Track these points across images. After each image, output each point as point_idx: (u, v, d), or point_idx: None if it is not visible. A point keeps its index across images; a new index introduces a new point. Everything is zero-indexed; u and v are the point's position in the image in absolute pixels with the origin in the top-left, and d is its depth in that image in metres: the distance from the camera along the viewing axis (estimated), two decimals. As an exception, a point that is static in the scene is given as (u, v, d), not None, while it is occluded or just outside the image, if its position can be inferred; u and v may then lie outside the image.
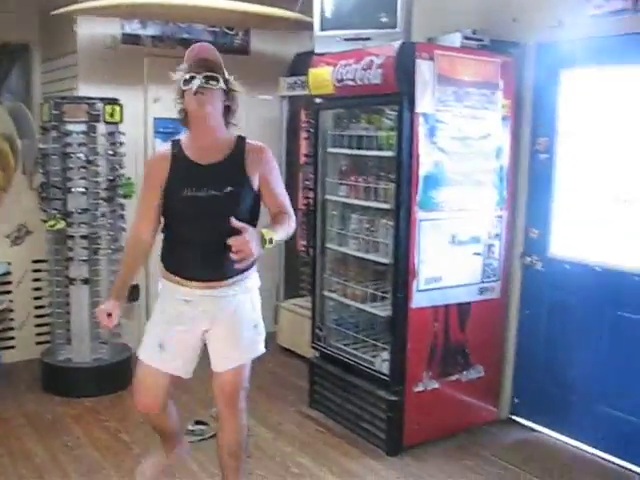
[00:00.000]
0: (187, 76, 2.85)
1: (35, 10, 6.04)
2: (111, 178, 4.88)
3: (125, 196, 5.02)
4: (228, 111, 2.98)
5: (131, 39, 5.54)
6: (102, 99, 4.86)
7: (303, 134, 5.88)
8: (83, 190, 4.78)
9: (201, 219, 2.92)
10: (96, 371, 4.98)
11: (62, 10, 4.95)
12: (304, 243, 5.84)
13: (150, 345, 3.09)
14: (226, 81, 2.91)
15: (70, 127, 4.78)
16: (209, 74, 2.84)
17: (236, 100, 2.99)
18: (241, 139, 3.03)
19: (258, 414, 4.58)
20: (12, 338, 5.56)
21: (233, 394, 3.16)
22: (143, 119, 5.53)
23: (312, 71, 4.43)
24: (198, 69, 2.85)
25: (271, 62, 6.01)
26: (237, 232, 2.68)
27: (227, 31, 5.91)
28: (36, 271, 5.53)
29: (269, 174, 3.00)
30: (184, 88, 2.87)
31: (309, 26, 4.84)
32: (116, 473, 3.88)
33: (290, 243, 5.97)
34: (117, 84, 5.35)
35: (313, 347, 4.72)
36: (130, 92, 5.35)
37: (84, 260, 4.82)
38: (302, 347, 5.33)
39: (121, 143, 4.93)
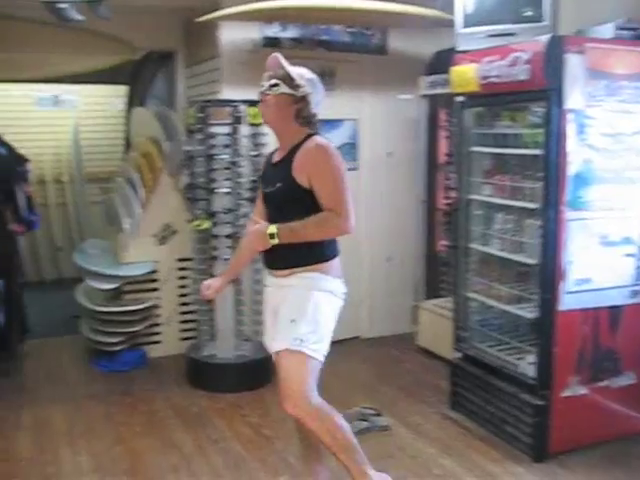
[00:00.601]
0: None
1: (180, 19, 6.25)
2: (253, 179, 4.96)
3: (266, 197, 5.11)
4: (299, 113, 3.13)
5: (271, 42, 5.61)
6: (245, 101, 4.95)
7: (443, 133, 5.80)
8: (227, 190, 4.90)
9: (268, 212, 3.23)
10: (239, 367, 5.09)
11: (207, 17, 5.09)
12: (444, 243, 5.77)
13: (265, 323, 3.41)
14: (294, 86, 3.09)
15: (215, 129, 4.90)
16: (271, 82, 3.10)
17: (306, 101, 3.12)
18: (306, 138, 3.14)
19: (398, 414, 4.59)
20: (158, 334, 5.78)
21: (283, 387, 3.11)
22: (284, 120, 5.59)
23: (455, 69, 4.35)
24: (266, 78, 3.14)
25: (409, 61, 5.97)
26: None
27: (365, 31, 5.90)
28: (181, 269, 5.71)
29: (314, 174, 3.05)
30: None
31: (449, 23, 4.77)
32: (261, 467, 3.95)
33: (429, 243, 5.93)
34: (258, 86, 5.44)
35: (455, 348, 4.65)
36: (271, 94, 5.42)
37: (228, 259, 4.91)
38: (442, 348, 5.27)
39: (263, 144, 5.02)
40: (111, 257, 5.80)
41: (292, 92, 3.08)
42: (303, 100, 3.10)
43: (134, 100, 7.52)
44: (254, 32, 5.54)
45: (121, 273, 5.45)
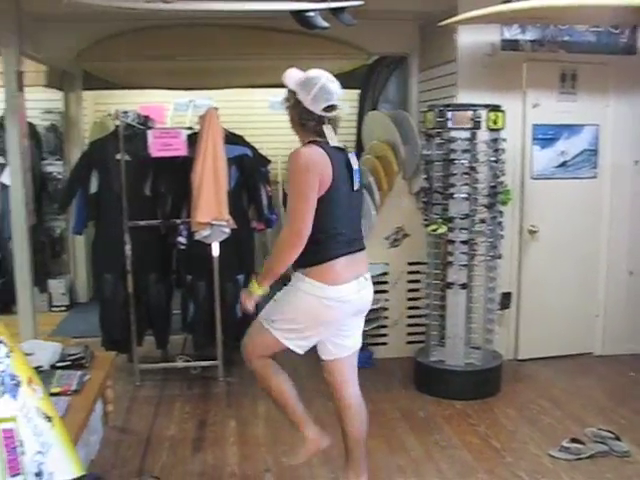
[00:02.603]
0: None
1: (415, 23, 6.27)
2: (492, 185, 4.88)
3: (503, 203, 4.99)
4: (299, 121, 3.11)
5: (510, 45, 5.48)
6: (485, 106, 4.87)
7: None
8: (465, 196, 4.83)
9: None
10: (467, 375, 5.01)
11: (448, 21, 5.00)
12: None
13: None
14: (289, 96, 3.10)
15: (454, 134, 4.83)
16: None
17: (296, 107, 3.09)
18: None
19: (639, 441, 4.29)
20: (385, 335, 5.83)
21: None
22: (521, 125, 5.46)
23: None
24: None
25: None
26: None
27: (612, 30, 5.60)
28: (411, 273, 5.73)
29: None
30: None
31: None
32: (489, 478, 3.86)
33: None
34: (494, 90, 5.34)
35: None
36: (508, 98, 5.30)
37: (463, 265, 4.87)
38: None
39: (503, 150, 4.91)
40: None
41: (287, 103, 3.11)
42: (295, 106, 3.09)
43: (365, 104, 7.64)
44: (492, 35, 5.43)
45: (353, 274, 5.54)
